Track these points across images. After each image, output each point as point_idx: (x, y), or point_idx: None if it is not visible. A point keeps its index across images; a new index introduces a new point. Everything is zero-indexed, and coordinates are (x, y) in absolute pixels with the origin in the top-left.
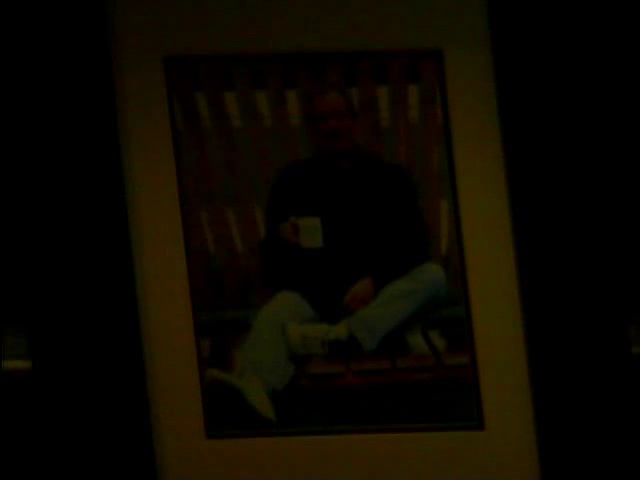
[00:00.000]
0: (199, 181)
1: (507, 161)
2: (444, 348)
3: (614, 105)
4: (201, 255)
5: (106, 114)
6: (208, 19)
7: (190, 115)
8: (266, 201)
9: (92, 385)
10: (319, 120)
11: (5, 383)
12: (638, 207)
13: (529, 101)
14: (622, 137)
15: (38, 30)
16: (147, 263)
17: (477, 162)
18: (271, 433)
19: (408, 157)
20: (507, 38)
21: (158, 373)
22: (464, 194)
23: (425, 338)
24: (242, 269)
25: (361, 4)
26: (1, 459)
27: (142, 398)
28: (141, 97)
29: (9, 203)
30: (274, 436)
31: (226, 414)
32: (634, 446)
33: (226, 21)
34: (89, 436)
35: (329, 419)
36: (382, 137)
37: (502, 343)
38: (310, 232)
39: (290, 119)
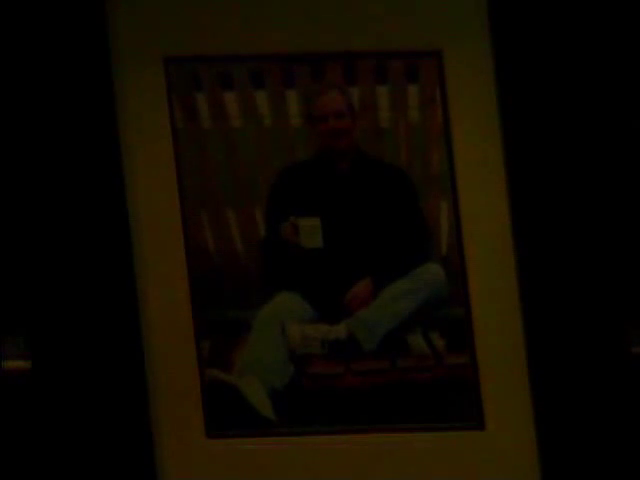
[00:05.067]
0: (199, 181)
1: (507, 161)
2: (444, 348)
3: (615, 105)
4: (201, 255)
5: (106, 114)
6: (208, 19)
7: (190, 115)
8: (266, 201)
9: (92, 385)
10: (319, 120)
11: (5, 383)
12: (638, 208)
13: (529, 101)
14: (622, 137)
15: (38, 30)
16: (147, 263)
17: (477, 162)
18: (271, 433)
19: (408, 157)
20: (507, 38)
21: (158, 373)
22: (464, 194)
23: (425, 338)
24: (242, 269)
25: (361, 4)
26: (1, 459)
27: (142, 398)
28: (141, 97)
29: (9, 204)
30: (274, 436)
31: (226, 414)
32: (634, 446)
33: (226, 21)
34: (89, 436)
35: (329, 419)
36: (382, 137)
37: (502, 343)
38: (310, 232)
39: (290, 119)
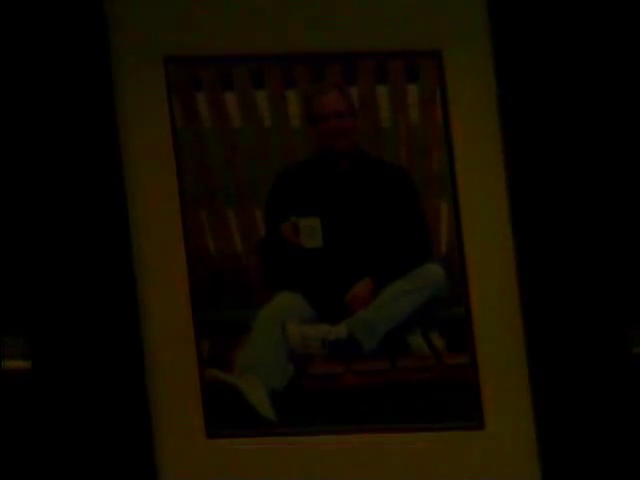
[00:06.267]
0: (199, 181)
1: (507, 161)
2: (444, 348)
3: (615, 105)
4: (201, 255)
5: (106, 114)
6: (208, 19)
7: (190, 115)
8: (266, 201)
9: (92, 385)
10: (319, 120)
11: (5, 383)
12: (638, 208)
13: (529, 101)
14: (622, 138)
15: (38, 30)
16: (147, 263)
17: (477, 162)
18: (271, 433)
19: (408, 157)
20: (507, 38)
21: (158, 373)
22: (464, 194)
23: (425, 338)
24: (242, 269)
25: (361, 4)
26: (1, 459)
27: (142, 398)
28: (141, 97)
29: (9, 204)
30: (274, 436)
31: (226, 414)
32: (634, 446)
33: (226, 21)
34: (89, 436)
35: (329, 419)
36: (382, 137)
37: (502, 343)
38: (310, 232)
39: (290, 119)
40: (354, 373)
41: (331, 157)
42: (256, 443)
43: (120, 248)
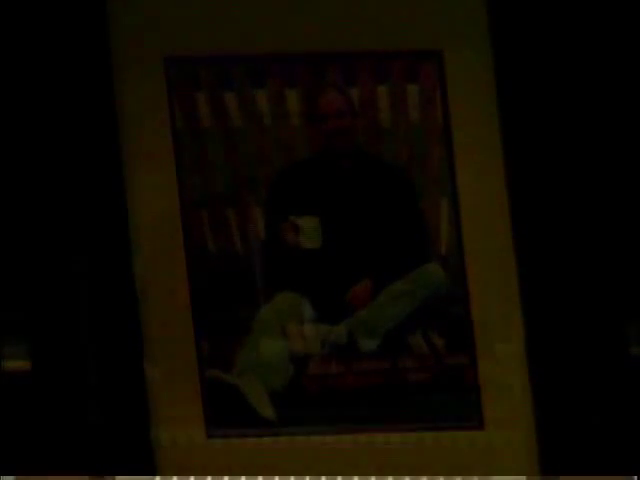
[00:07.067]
0: (199, 181)
1: (507, 161)
2: (444, 348)
3: (614, 105)
4: (201, 255)
5: (106, 114)
6: (208, 19)
7: (190, 115)
8: (266, 201)
9: (92, 385)
10: (319, 120)
11: (5, 383)
12: (638, 208)
13: (529, 101)
14: (622, 137)
15: (38, 30)
16: (147, 263)
17: (477, 162)
18: (271, 433)
19: (408, 157)
20: (507, 38)
21: (158, 373)
22: (464, 194)
23: (425, 338)
24: (242, 269)
25: (361, 4)
26: (1, 458)
27: (142, 398)
28: (141, 97)
29: (9, 204)
30: (274, 436)
31: (226, 414)
32: (634, 446)
33: (226, 21)
34: (89, 437)
35: (329, 419)
36: (382, 137)
37: (502, 343)
38: (310, 232)
39: (290, 119)
40: (354, 373)
41: (331, 157)
42: (256, 443)
43: (120, 248)
